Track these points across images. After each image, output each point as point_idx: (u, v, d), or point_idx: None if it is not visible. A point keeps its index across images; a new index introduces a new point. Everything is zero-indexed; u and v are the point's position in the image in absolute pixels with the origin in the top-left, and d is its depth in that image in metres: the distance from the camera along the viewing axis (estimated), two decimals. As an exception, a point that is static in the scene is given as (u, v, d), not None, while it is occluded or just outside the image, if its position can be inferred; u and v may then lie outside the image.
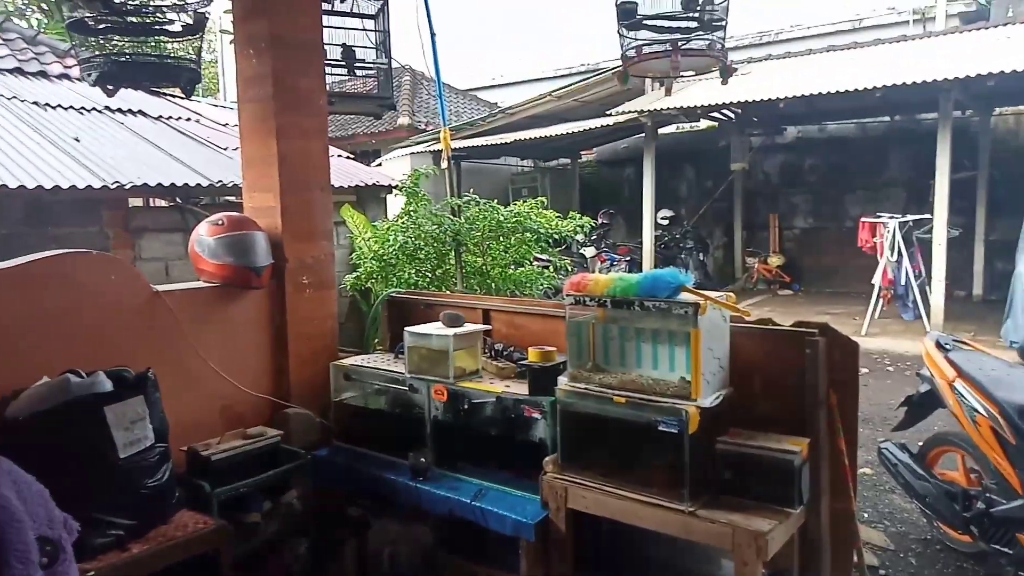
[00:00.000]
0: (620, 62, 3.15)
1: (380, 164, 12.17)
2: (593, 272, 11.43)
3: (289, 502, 2.87)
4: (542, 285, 5.27)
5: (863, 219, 9.48)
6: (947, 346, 3.52)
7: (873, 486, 4.31)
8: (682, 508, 2.22)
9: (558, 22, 15.68)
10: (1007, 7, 11.47)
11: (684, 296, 2.36)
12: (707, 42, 3.03)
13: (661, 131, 11.91)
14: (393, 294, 3.64)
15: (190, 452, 2.69)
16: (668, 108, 9.72)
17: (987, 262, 10.46)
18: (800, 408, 2.40)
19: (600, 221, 12.43)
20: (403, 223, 5.02)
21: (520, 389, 2.72)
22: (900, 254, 8.89)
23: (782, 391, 2.46)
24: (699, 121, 12.23)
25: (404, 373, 2.95)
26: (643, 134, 11.10)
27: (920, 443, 3.75)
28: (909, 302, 9.01)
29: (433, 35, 4.87)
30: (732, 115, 11.30)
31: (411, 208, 5.04)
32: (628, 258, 11.42)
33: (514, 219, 4.80)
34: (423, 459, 2.80)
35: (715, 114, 11.25)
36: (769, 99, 8.88)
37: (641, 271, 10.86)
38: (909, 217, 9.22)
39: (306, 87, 3.31)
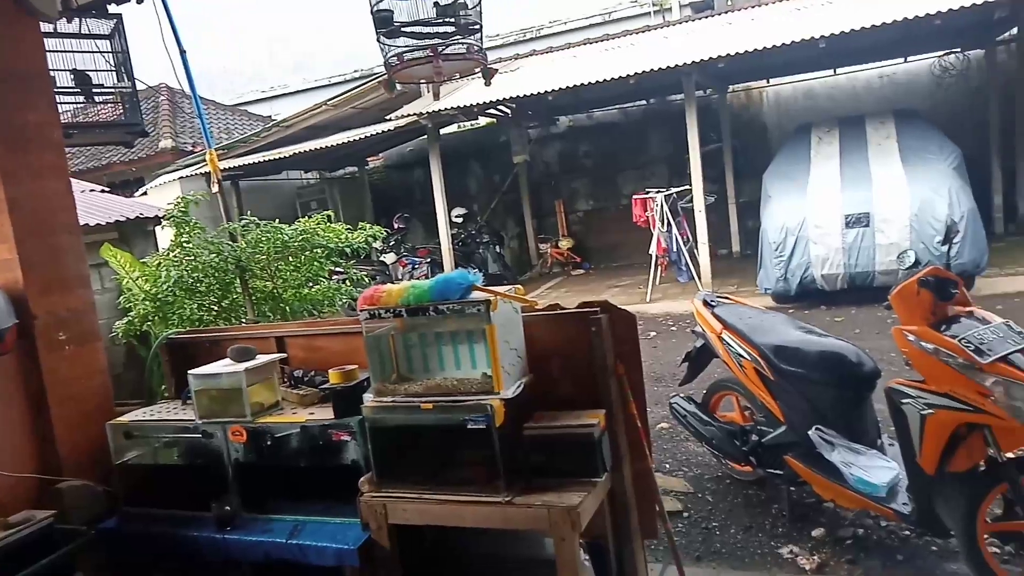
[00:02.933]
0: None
1: (145, 193, 11.15)
2: (396, 277, 11.37)
3: (78, 587, 2.54)
4: (343, 300, 5.13)
5: (635, 196, 10.35)
6: (712, 303, 3.96)
7: (671, 438, 4.73)
8: (499, 499, 2.27)
9: (328, 28, 15.29)
10: (726, -4, 13.07)
11: (475, 295, 2.41)
12: (466, 46, 3.12)
13: (444, 131, 12.09)
14: (171, 336, 3.35)
15: (-62, 560, 2.28)
16: (446, 109, 9.87)
17: (740, 222, 11.87)
18: (594, 383, 2.56)
19: (396, 226, 12.37)
20: (175, 256, 4.62)
21: (326, 414, 2.63)
22: (669, 224, 9.83)
23: (578, 370, 2.59)
24: (478, 119, 12.58)
25: (195, 419, 2.72)
26: (426, 136, 11.21)
27: (704, 392, 4.17)
28: (682, 266, 10.01)
29: (183, 52, 4.51)
30: (508, 110, 11.76)
31: (183, 239, 4.65)
32: (429, 259, 11.49)
33: (300, 237, 4.61)
34: (227, 507, 2.61)
35: (492, 110, 11.64)
36: (537, 93, 9.37)
37: (443, 270, 11.04)
38: (673, 190, 10.22)
39: (35, 121, 2.93)
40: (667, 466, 4.33)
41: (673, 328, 7.76)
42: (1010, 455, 2.74)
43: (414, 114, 10.12)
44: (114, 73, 3.56)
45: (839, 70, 11.29)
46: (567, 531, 2.18)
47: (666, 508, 3.71)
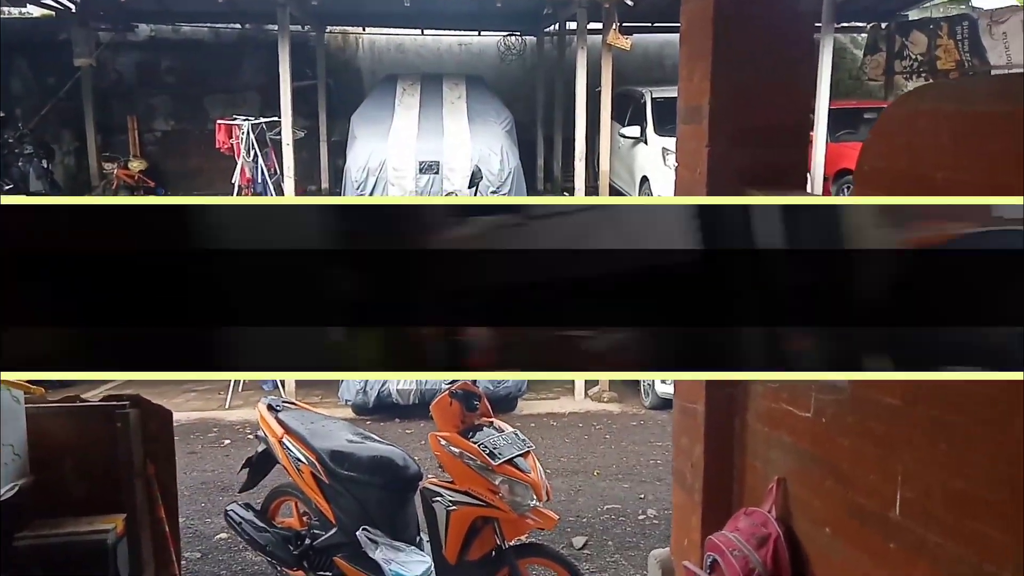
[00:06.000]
0: None
1: None
2: None
3: None
4: None
5: (219, 121, 9.76)
6: (278, 408, 3.86)
7: (229, 549, 4.53)
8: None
9: None
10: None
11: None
12: None
13: (-25, 13, 9.64)
14: None
15: None
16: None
17: (330, 159, 12.14)
18: (116, 484, 2.48)
19: None
20: None
21: None
22: (256, 154, 9.56)
23: (98, 469, 2.49)
24: (26, 6, 10.29)
25: None
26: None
27: (264, 498, 3.97)
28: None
29: None
30: (71, 4, 9.90)
31: None
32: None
33: None
34: None
35: (50, 1, 9.67)
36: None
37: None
38: (261, 120, 9.86)
39: None
40: (223, 576, 4.16)
41: (251, 436, 6.11)
42: (512, 543, 3.23)
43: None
44: None
45: (427, 32, 12.11)
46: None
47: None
